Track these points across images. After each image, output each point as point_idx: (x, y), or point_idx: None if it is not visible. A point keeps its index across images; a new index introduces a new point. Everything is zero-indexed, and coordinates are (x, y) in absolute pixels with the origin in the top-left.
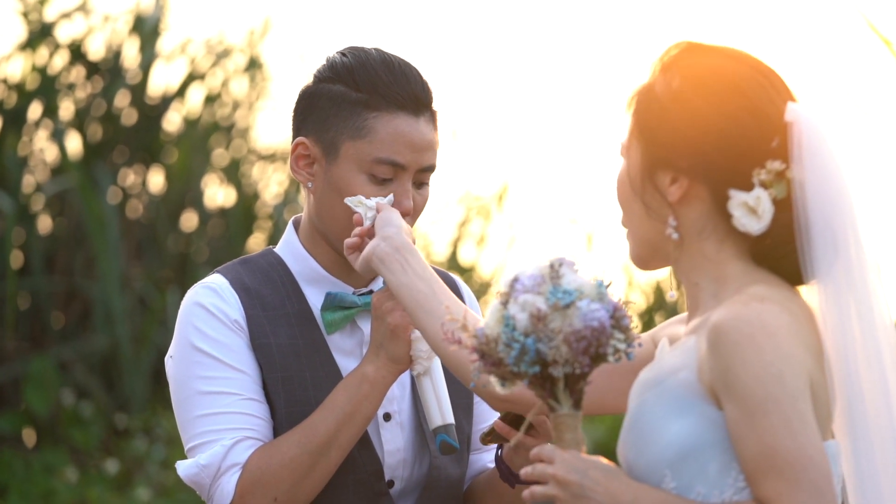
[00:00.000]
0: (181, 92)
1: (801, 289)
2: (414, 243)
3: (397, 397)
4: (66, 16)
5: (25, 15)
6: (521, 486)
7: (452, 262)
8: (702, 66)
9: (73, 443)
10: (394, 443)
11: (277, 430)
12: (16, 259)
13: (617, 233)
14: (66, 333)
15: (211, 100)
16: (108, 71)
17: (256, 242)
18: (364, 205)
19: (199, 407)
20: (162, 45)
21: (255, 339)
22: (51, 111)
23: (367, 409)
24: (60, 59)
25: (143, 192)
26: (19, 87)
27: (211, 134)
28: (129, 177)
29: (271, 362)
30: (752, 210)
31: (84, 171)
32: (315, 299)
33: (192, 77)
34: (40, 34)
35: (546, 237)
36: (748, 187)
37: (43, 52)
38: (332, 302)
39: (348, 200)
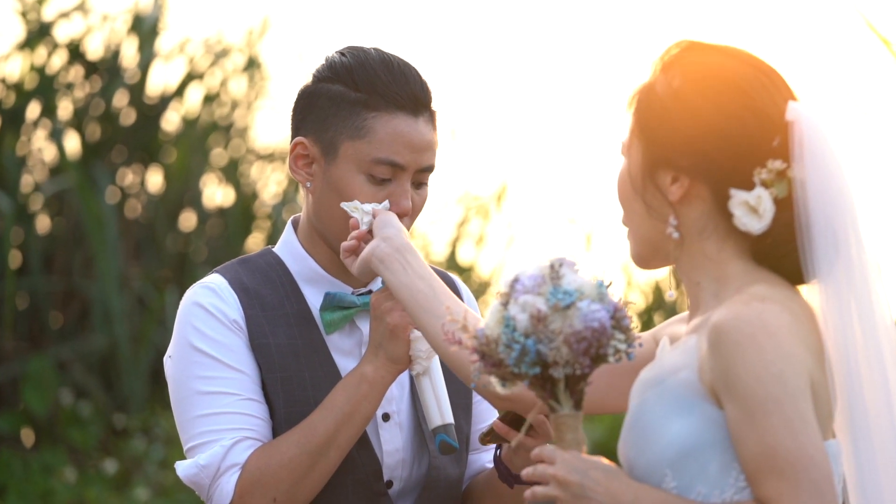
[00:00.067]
0: (180, 91)
1: (802, 288)
2: None
3: (396, 397)
4: (65, 15)
5: (24, 14)
6: (519, 487)
7: (451, 261)
8: (703, 65)
9: (71, 443)
10: (393, 443)
11: (276, 431)
12: (14, 259)
13: (616, 233)
14: (64, 333)
15: (209, 99)
16: (107, 70)
17: (255, 242)
18: (360, 210)
19: (198, 407)
20: (160, 44)
21: (254, 339)
22: (49, 111)
23: (366, 410)
24: (59, 59)
25: (142, 192)
26: (18, 87)
27: (209, 133)
28: (128, 176)
29: (270, 362)
30: (752, 209)
31: (82, 170)
32: (314, 299)
33: (190, 77)
34: (39, 34)
35: (545, 237)
36: (749, 186)
37: (41, 52)
38: (330, 302)
39: (345, 205)
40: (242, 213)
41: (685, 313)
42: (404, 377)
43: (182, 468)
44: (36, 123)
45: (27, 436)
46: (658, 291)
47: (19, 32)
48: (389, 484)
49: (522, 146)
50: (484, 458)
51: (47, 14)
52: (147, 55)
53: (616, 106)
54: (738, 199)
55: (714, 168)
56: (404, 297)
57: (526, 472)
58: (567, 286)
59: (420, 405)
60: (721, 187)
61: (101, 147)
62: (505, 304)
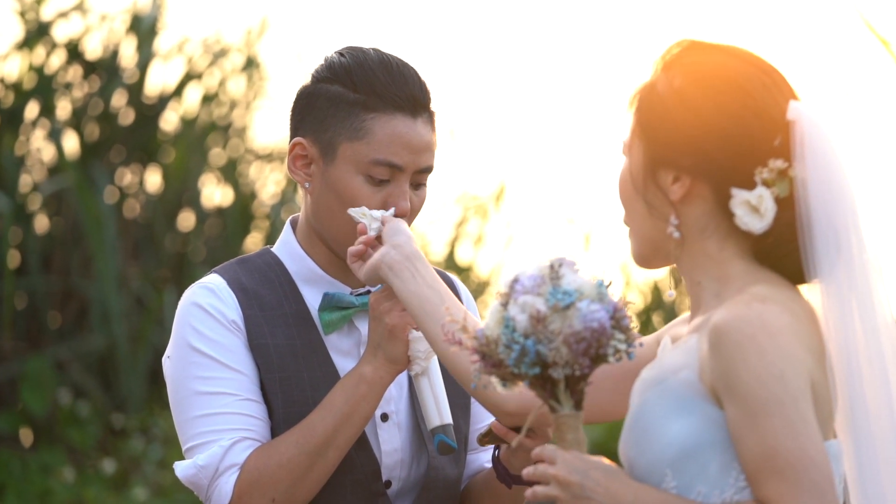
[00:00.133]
0: (178, 91)
1: (804, 287)
2: None
3: (395, 397)
4: (63, 15)
5: (22, 14)
6: (517, 487)
7: (450, 261)
8: (704, 65)
9: (69, 442)
10: (391, 443)
11: (275, 431)
12: (13, 258)
13: (614, 233)
14: (62, 333)
15: (208, 99)
16: (105, 70)
17: (254, 242)
18: (368, 215)
19: (197, 407)
20: (159, 44)
21: (253, 339)
22: (48, 110)
23: (365, 410)
24: (57, 59)
25: (140, 192)
26: (16, 87)
27: (208, 133)
28: (126, 176)
29: (269, 363)
30: (754, 209)
31: (81, 170)
32: (313, 299)
33: (189, 76)
34: (37, 33)
35: (543, 237)
36: (750, 186)
37: (40, 52)
38: (329, 302)
39: (352, 211)
40: (241, 213)
41: (688, 314)
42: (403, 377)
43: (181, 468)
44: (34, 123)
45: (25, 435)
46: (657, 291)
47: (18, 32)
48: (388, 484)
49: (521, 146)
50: (482, 458)
51: (46, 14)
52: (145, 55)
53: (615, 106)
54: (740, 199)
55: (715, 167)
56: (413, 306)
57: (526, 472)
58: (567, 286)
59: (419, 405)
60: (722, 187)
61: (100, 147)
62: (504, 305)
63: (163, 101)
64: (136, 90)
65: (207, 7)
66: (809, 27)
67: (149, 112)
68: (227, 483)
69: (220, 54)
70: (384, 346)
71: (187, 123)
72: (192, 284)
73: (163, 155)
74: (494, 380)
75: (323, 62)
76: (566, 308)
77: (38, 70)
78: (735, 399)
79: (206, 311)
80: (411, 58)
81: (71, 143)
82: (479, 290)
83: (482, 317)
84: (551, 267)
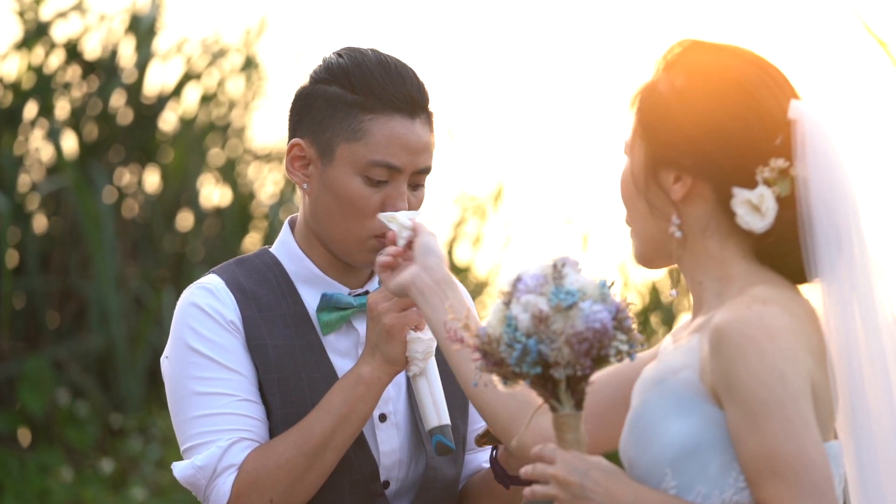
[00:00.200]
0: (177, 91)
1: (805, 287)
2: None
3: (393, 398)
4: (62, 15)
5: (21, 14)
6: (515, 487)
7: (448, 262)
8: (705, 64)
9: (68, 442)
10: (389, 443)
11: (273, 431)
12: (11, 258)
13: (612, 233)
14: (61, 333)
15: (207, 99)
16: (104, 70)
17: (252, 242)
18: (398, 222)
19: (195, 408)
20: (158, 44)
21: (251, 339)
22: (46, 110)
23: (363, 410)
24: (56, 59)
25: (139, 192)
26: (15, 87)
27: (207, 133)
28: (125, 176)
29: (267, 363)
30: (755, 208)
31: (80, 170)
32: (311, 300)
33: (188, 76)
34: (36, 33)
35: (542, 237)
36: (752, 185)
37: (39, 52)
38: (327, 303)
39: (382, 216)
40: (239, 213)
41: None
42: (401, 378)
43: (179, 469)
44: (33, 123)
45: (24, 435)
46: (655, 292)
47: (17, 32)
48: (386, 484)
49: (519, 147)
50: (480, 458)
51: (45, 14)
52: (144, 55)
53: (613, 106)
54: (741, 198)
55: (716, 167)
56: (440, 334)
57: (525, 471)
58: (569, 286)
59: (417, 406)
60: (723, 186)
61: (99, 147)
62: (507, 304)
63: (161, 101)
64: (134, 90)
65: (206, 7)
66: (807, 29)
67: (147, 112)
68: (226, 484)
69: (218, 54)
70: (382, 346)
71: (186, 123)
72: (191, 285)
73: (161, 155)
74: (495, 378)
75: (321, 63)
76: (569, 308)
77: (37, 70)
78: (735, 400)
79: (205, 312)
80: (410, 58)
81: (69, 142)
82: (477, 290)
83: (481, 317)
84: (554, 266)
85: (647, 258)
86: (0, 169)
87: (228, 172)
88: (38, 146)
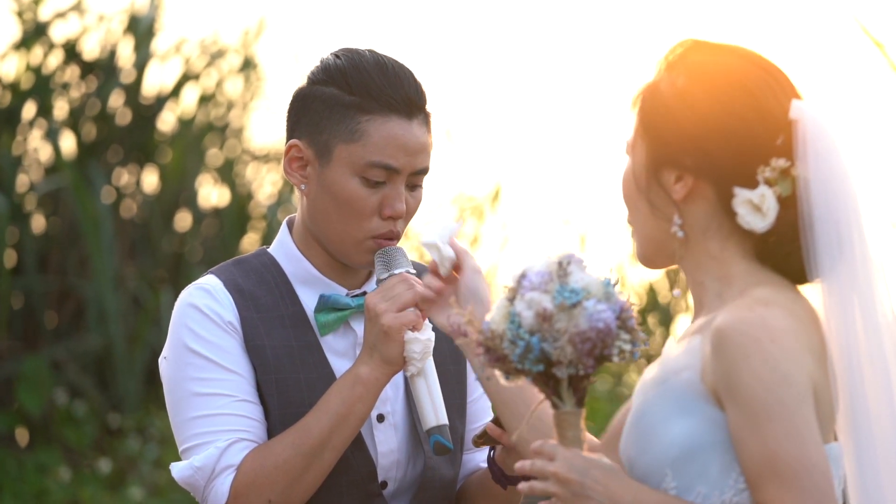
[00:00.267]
0: (175, 92)
1: (805, 287)
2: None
3: (391, 398)
4: (61, 15)
5: (20, 14)
6: (513, 488)
7: None
8: (707, 65)
9: (66, 442)
10: (387, 444)
11: (271, 432)
12: (9, 258)
13: (610, 234)
14: (59, 333)
15: (205, 100)
16: (103, 70)
17: (250, 242)
18: (439, 250)
19: (194, 408)
20: (156, 44)
21: (249, 340)
22: (45, 110)
23: (361, 411)
24: (55, 59)
25: (137, 192)
26: (13, 87)
27: (205, 134)
28: (123, 176)
29: (265, 364)
30: (756, 208)
31: (78, 170)
32: (309, 300)
33: (186, 77)
34: (35, 33)
35: (539, 238)
36: (753, 185)
37: (37, 52)
38: (325, 304)
39: (424, 244)
40: (238, 214)
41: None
42: (399, 378)
43: (177, 470)
44: (32, 123)
45: (22, 435)
46: (652, 293)
47: (15, 32)
48: (384, 485)
49: (517, 147)
50: (478, 457)
51: (43, 14)
52: (143, 55)
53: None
54: (742, 198)
55: (718, 167)
56: (491, 393)
57: (520, 465)
58: (574, 284)
59: (415, 406)
60: (725, 186)
61: (97, 147)
62: (511, 300)
63: (160, 102)
64: (133, 90)
65: (205, 8)
66: (804, 30)
67: (146, 112)
68: (224, 484)
69: (217, 55)
70: (379, 347)
71: (184, 124)
72: (189, 285)
73: (160, 155)
74: (498, 372)
75: (318, 64)
76: (573, 307)
77: (36, 70)
78: (736, 402)
79: (203, 313)
80: (408, 59)
81: (68, 143)
82: None
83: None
84: (559, 264)
85: (649, 258)
86: None
87: (227, 173)
88: (36, 146)
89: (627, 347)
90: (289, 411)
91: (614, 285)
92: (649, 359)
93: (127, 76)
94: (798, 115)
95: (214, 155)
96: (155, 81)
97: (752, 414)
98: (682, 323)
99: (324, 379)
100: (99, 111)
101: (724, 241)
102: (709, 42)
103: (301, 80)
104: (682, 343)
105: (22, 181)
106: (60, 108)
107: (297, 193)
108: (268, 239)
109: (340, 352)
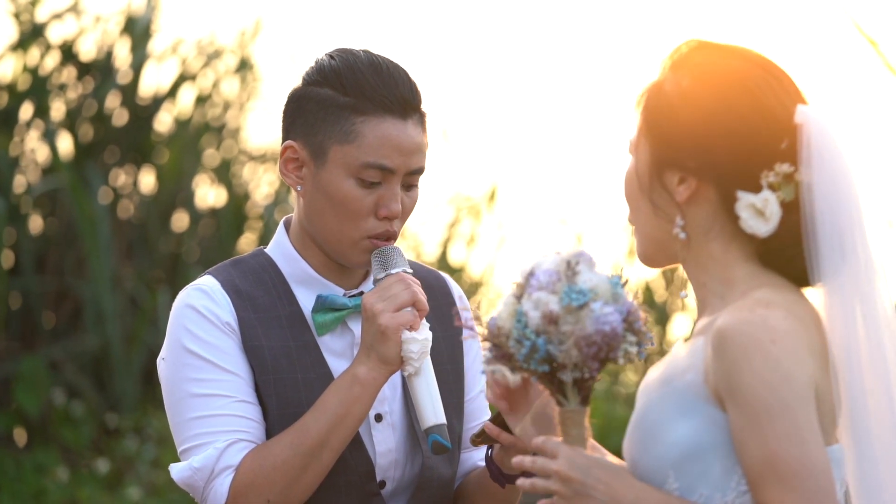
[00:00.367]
0: (172, 92)
1: (808, 290)
2: None
3: (388, 398)
4: (58, 16)
5: (17, 15)
6: (511, 486)
7: (442, 262)
8: (712, 66)
9: (63, 442)
10: (385, 443)
11: (270, 432)
12: (6, 259)
13: (607, 234)
14: (56, 333)
15: (202, 100)
16: (100, 71)
17: (247, 243)
18: (503, 373)
19: (192, 409)
20: (153, 45)
21: (247, 341)
22: (42, 111)
23: (359, 411)
24: (52, 60)
25: (134, 193)
26: (10, 88)
27: (202, 134)
28: (121, 177)
29: (263, 364)
30: (759, 212)
31: (75, 171)
32: (306, 301)
33: (183, 78)
34: (32, 34)
35: (536, 238)
36: (756, 189)
37: (34, 53)
38: (322, 304)
39: (489, 370)
40: (234, 214)
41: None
42: (396, 378)
43: (176, 470)
44: (29, 124)
45: (19, 435)
46: (648, 292)
47: (12, 33)
48: (382, 484)
49: (513, 147)
50: (476, 456)
51: (40, 15)
52: (140, 56)
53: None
54: (745, 202)
55: (721, 170)
56: None
57: (521, 460)
58: (582, 285)
59: (412, 405)
60: (728, 189)
61: (94, 148)
62: (519, 297)
63: (157, 103)
64: (130, 91)
65: (201, 9)
66: (799, 28)
67: (143, 113)
68: (223, 485)
69: (213, 56)
70: (377, 346)
71: (181, 124)
72: (186, 286)
73: (157, 156)
74: (504, 367)
75: (313, 65)
76: (579, 308)
77: (33, 71)
78: (737, 402)
79: (200, 314)
80: (404, 59)
81: (65, 143)
82: (471, 290)
83: (476, 317)
84: (568, 264)
85: (650, 258)
86: None
87: (223, 173)
88: (33, 147)
89: (633, 350)
90: (287, 411)
91: (623, 285)
92: (646, 359)
93: (123, 77)
94: (803, 120)
95: (211, 155)
96: (151, 82)
97: (753, 414)
98: (679, 322)
99: (322, 379)
100: (96, 112)
101: (727, 243)
102: (714, 43)
103: (296, 81)
104: (686, 344)
105: (19, 182)
106: (57, 109)
107: (293, 194)
108: (265, 239)
109: (338, 352)
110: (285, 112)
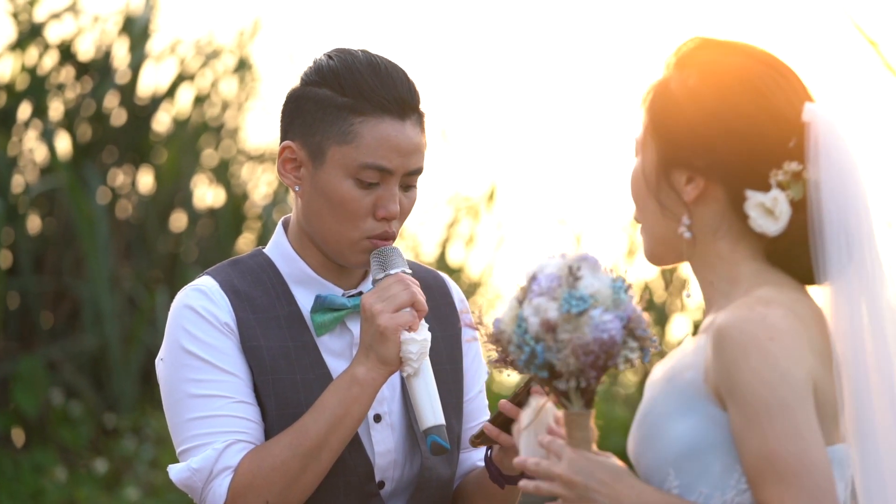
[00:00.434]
0: (171, 92)
1: (813, 289)
2: None
3: (387, 398)
4: (56, 16)
5: (15, 15)
6: (510, 487)
7: (441, 262)
8: (718, 64)
9: (62, 442)
10: (384, 444)
11: (269, 433)
12: (5, 259)
13: (606, 234)
14: (55, 333)
15: (200, 100)
16: (98, 71)
17: (246, 243)
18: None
19: (191, 410)
20: (151, 45)
21: (246, 341)
22: (40, 111)
23: (358, 411)
24: (50, 60)
25: (133, 193)
26: (9, 88)
27: (200, 134)
28: (119, 177)
29: (262, 365)
30: (769, 211)
31: (73, 171)
32: (305, 301)
33: (181, 77)
34: (30, 34)
35: (535, 238)
36: (765, 188)
37: (32, 53)
38: (321, 304)
39: (505, 404)
40: (233, 214)
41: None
42: (395, 378)
43: (175, 471)
44: (27, 124)
45: (17, 435)
46: (648, 292)
47: (10, 33)
48: (381, 485)
49: (512, 147)
50: (475, 456)
51: (38, 15)
52: (138, 56)
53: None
54: (754, 201)
55: (729, 169)
56: None
57: (522, 460)
58: (583, 290)
59: (411, 406)
60: (736, 189)
61: (92, 147)
62: (521, 301)
63: (155, 102)
64: (128, 91)
65: (200, 8)
66: (798, 28)
67: (141, 113)
68: (222, 486)
69: (212, 55)
70: (376, 347)
71: (179, 124)
72: (185, 287)
73: (155, 156)
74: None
75: (311, 65)
76: (578, 315)
77: (31, 71)
78: (737, 400)
79: (199, 314)
80: (403, 59)
81: (63, 143)
82: (470, 290)
83: (475, 317)
84: (570, 269)
85: (658, 256)
86: None
87: (222, 173)
88: (31, 147)
89: (634, 356)
90: (286, 412)
91: (627, 290)
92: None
93: (122, 77)
94: (811, 118)
95: (210, 155)
96: (150, 82)
97: (752, 412)
98: (678, 323)
99: (320, 379)
100: (94, 112)
101: (735, 242)
102: (719, 40)
103: (294, 81)
104: (691, 341)
105: (17, 182)
106: (56, 109)
107: (292, 194)
108: (263, 239)
109: (337, 352)
110: (283, 112)
